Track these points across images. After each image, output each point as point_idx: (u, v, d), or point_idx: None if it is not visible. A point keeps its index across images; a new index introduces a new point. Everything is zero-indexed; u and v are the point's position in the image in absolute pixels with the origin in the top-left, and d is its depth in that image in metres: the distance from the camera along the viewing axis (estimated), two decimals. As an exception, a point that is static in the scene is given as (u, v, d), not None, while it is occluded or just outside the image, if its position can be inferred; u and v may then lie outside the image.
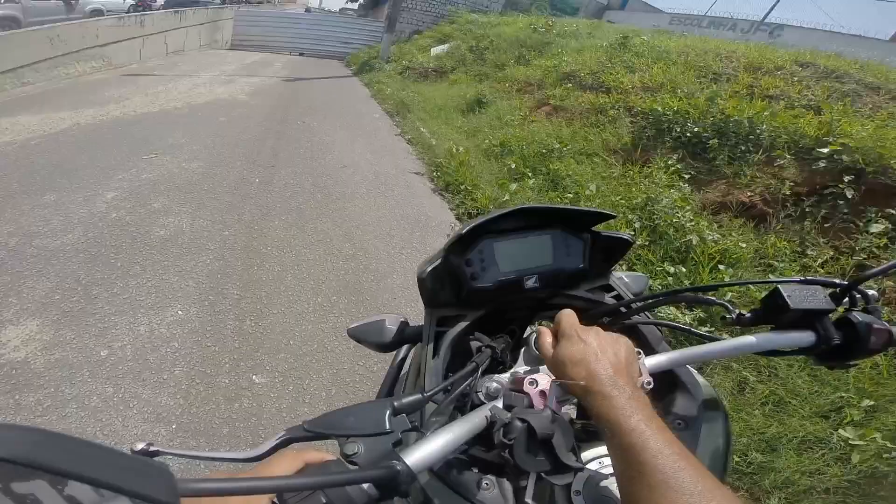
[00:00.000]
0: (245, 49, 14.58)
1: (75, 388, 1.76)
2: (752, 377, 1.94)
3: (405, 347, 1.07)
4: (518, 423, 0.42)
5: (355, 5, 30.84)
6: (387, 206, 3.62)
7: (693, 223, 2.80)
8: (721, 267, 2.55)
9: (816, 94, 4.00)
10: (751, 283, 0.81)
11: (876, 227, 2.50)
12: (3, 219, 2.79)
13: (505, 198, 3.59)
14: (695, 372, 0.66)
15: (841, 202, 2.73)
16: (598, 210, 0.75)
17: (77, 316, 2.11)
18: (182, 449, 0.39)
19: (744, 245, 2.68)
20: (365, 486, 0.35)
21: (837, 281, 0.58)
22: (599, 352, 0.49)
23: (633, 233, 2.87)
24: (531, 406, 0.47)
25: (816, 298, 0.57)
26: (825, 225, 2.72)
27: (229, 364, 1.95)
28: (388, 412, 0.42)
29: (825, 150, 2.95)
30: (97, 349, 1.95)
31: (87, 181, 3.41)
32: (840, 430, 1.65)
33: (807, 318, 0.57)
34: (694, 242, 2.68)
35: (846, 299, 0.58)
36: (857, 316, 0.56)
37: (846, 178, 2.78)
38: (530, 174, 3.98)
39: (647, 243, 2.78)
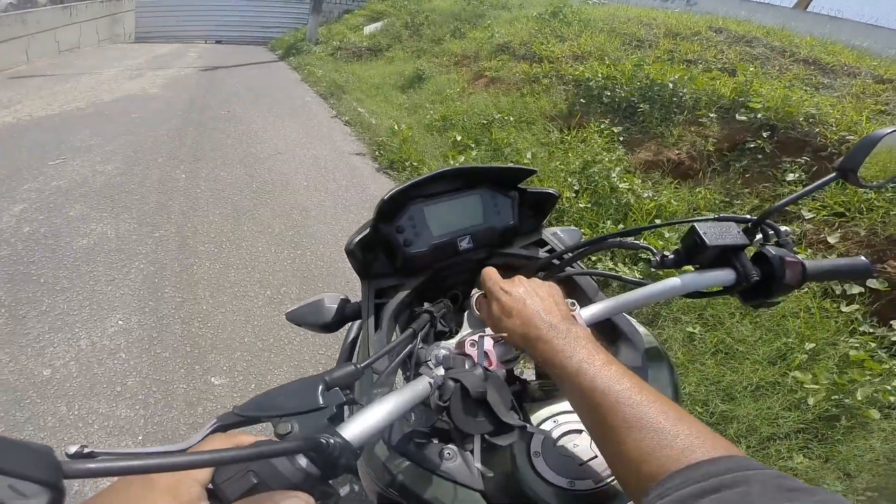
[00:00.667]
0: (152, 41, 13.27)
1: (26, 411, 1.64)
2: (698, 329, 2.05)
3: (356, 326, 1.05)
4: (451, 384, 0.42)
5: None
6: (329, 191, 3.49)
7: (628, 183, 2.93)
8: (657, 221, 2.68)
9: (730, 58, 4.27)
10: (668, 224, 0.84)
11: (791, 176, 2.74)
12: None
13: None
14: (634, 321, 0.67)
15: (759, 156, 2.96)
16: (520, 166, 0.76)
17: (8, 338, 1.94)
18: (117, 449, 0.37)
19: (675, 202, 2.84)
20: (303, 462, 0.33)
21: (748, 217, 0.60)
22: (527, 298, 0.49)
23: (573, 195, 2.97)
24: (474, 366, 0.46)
25: (731, 234, 0.59)
26: (746, 176, 2.93)
27: (184, 369, 1.86)
28: (320, 387, 0.39)
29: (745, 110, 3.18)
30: (38, 369, 1.82)
31: None
32: (794, 374, 1.73)
33: (725, 256, 0.59)
34: (631, 201, 2.81)
35: (760, 236, 0.61)
36: (771, 250, 0.58)
37: (763, 134, 3.02)
38: (473, 145, 3.99)
39: (588, 205, 2.88)
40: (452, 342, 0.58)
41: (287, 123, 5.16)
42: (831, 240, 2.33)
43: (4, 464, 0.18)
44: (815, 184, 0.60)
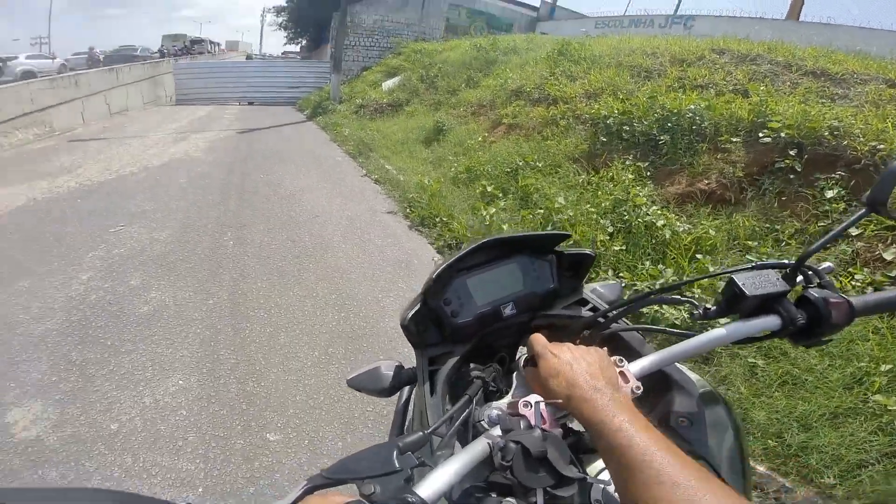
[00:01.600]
0: (191, 103, 14.44)
1: (94, 461, 1.77)
2: (760, 362, 1.98)
3: (407, 389, 1.10)
4: (512, 446, 0.46)
5: (297, 48, 31.15)
6: (366, 251, 3.64)
7: (663, 218, 2.93)
8: (699, 256, 2.65)
9: (739, 79, 4.31)
10: (707, 277, 0.84)
11: (830, 193, 2.68)
12: (-21, 311, 2.73)
13: (485, 222, 3.65)
14: (685, 369, 0.69)
15: (791, 176, 2.93)
16: (553, 232, 0.81)
17: (78, 394, 2.11)
18: None
19: (713, 232, 2.81)
20: None
21: (786, 262, 0.61)
22: (573, 362, 0.52)
23: (608, 237, 2.99)
24: (530, 427, 0.50)
25: (770, 282, 0.59)
26: (783, 198, 2.89)
27: (241, 426, 1.96)
28: (395, 452, 0.45)
29: (767, 131, 3.17)
30: (106, 423, 1.96)
31: (59, 263, 3.33)
32: (874, 398, 1.65)
33: (768, 303, 0.60)
34: (668, 237, 2.80)
35: (801, 277, 0.61)
36: (813, 293, 0.59)
37: (791, 153, 2.99)
38: (500, 195, 4.08)
39: (624, 246, 2.88)
40: (504, 402, 0.62)
41: (322, 185, 5.44)
42: (887, 256, 2.25)
43: None
44: (847, 222, 0.61)
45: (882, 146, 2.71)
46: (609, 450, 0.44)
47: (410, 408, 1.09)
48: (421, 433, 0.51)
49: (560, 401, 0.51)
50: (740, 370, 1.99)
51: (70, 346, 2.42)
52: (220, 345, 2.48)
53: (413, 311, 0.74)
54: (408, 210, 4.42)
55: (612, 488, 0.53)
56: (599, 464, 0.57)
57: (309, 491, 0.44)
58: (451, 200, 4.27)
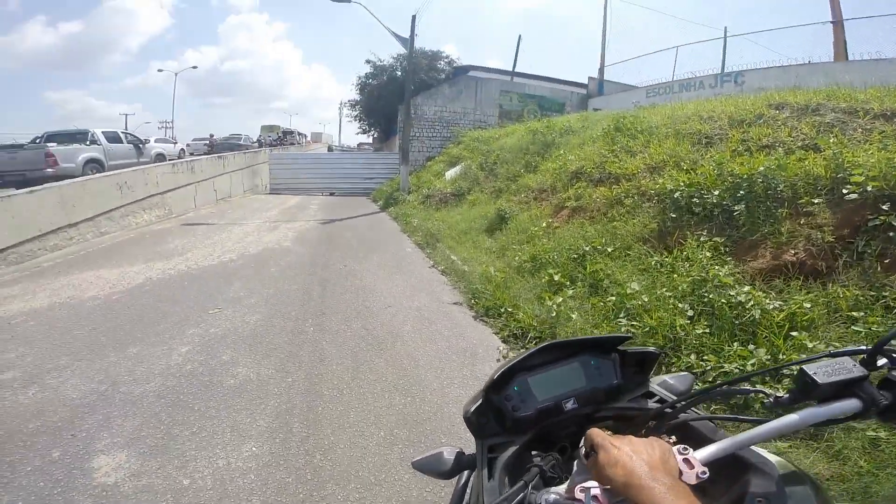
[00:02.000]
0: (282, 192, 16.51)
1: None
2: (883, 434, 1.79)
3: (466, 473, 1.13)
4: None
5: (369, 139, 34.53)
6: (433, 340, 3.77)
7: (750, 297, 2.73)
8: (794, 333, 2.43)
9: (806, 133, 4.12)
10: (774, 368, 0.83)
11: None
12: (95, 369, 3.19)
13: (552, 312, 3.62)
14: (764, 452, 0.67)
15: (891, 233, 2.67)
16: (615, 335, 0.86)
17: (160, 450, 2.32)
18: None
19: (808, 305, 2.59)
20: None
21: (863, 347, 0.60)
22: (633, 453, 0.54)
23: (688, 321, 2.84)
24: None
25: (846, 369, 0.58)
26: (885, 261, 2.62)
27: (303, 494, 2.05)
28: None
29: (851, 186, 2.96)
30: (179, 478, 2.12)
31: (164, 335, 3.81)
32: None
33: (846, 388, 0.58)
34: (756, 316, 2.60)
35: (884, 360, 0.60)
36: None
37: (883, 207, 2.76)
38: (568, 283, 4.04)
39: (707, 330, 2.72)
40: (562, 488, 0.64)
41: (393, 276, 5.79)
42: None
43: None
44: None
45: None
46: None
47: (468, 493, 1.11)
48: None
49: (610, 486, 0.53)
50: (857, 444, 1.81)
51: (161, 407, 2.72)
52: (294, 418, 2.65)
53: (476, 406, 0.81)
54: (472, 301, 4.53)
55: None
56: None
57: None
58: (515, 290, 4.31)
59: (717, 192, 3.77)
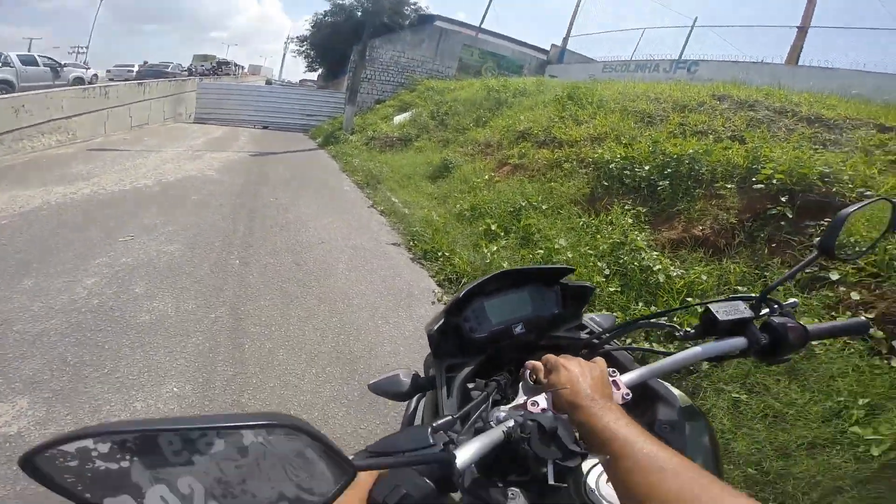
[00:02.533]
0: (209, 122, 14.94)
1: None
2: (744, 396, 2.07)
3: (415, 399, 1.19)
4: (529, 422, 0.55)
5: (314, 76, 32.22)
6: (368, 279, 3.73)
7: (658, 263, 3.02)
8: (689, 299, 2.75)
9: (737, 125, 4.46)
10: (688, 306, 1.00)
11: (818, 239, 2.77)
12: (-20, 304, 2.78)
13: (483, 259, 3.76)
14: (669, 386, 0.80)
15: (783, 223, 3.00)
16: (561, 266, 0.95)
17: (69, 395, 2.12)
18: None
19: (705, 277, 2.90)
20: (427, 481, 0.46)
21: (752, 295, 0.75)
22: (580, 375, 0.62)
23: (604, 279, 3.08)
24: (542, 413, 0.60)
25: (739, 310, 0.72)
26: (773, 245, 2.97)
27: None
28: (429, 431, 0.54)
29: (760, 177, 3.28)
30: (93, 424, 1.91)
31: (65, 266, 3.40)
32: (852, 429, 1.74)
33: (737, 327, 0.72)
34: (661, 280, 2.89)
35: (766, 309, 0.73)
36: (774, 320, 0.71)
37: (782, 199, 3.08)
38: (503, 234, 4.20)
39: (618, 289, 2.97)
40: (508, 406, 0.71)
41: (329, 212, 5.59)
42: (867, 300, 2.34)
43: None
44: (801, 264, 0.77)
45: (869, 192, 2.82)
46: (598, 445, 0.52)
47: (417, 417, 1.17)
48: (450, 416, 0.60)
49: (562, 392, 0.60)
50: (724, 404, 2.06)
51: (66, 347, 2.45)
52: (218, 356, 2.51)
53: (438, 325, 0.87)
54: (411, 243, 4.53)
55: (603, 480, 0.63)
56: (594, 459, 0.66)
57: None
58: (454, 236, 4.38)
59: (647, 168, 4.05)
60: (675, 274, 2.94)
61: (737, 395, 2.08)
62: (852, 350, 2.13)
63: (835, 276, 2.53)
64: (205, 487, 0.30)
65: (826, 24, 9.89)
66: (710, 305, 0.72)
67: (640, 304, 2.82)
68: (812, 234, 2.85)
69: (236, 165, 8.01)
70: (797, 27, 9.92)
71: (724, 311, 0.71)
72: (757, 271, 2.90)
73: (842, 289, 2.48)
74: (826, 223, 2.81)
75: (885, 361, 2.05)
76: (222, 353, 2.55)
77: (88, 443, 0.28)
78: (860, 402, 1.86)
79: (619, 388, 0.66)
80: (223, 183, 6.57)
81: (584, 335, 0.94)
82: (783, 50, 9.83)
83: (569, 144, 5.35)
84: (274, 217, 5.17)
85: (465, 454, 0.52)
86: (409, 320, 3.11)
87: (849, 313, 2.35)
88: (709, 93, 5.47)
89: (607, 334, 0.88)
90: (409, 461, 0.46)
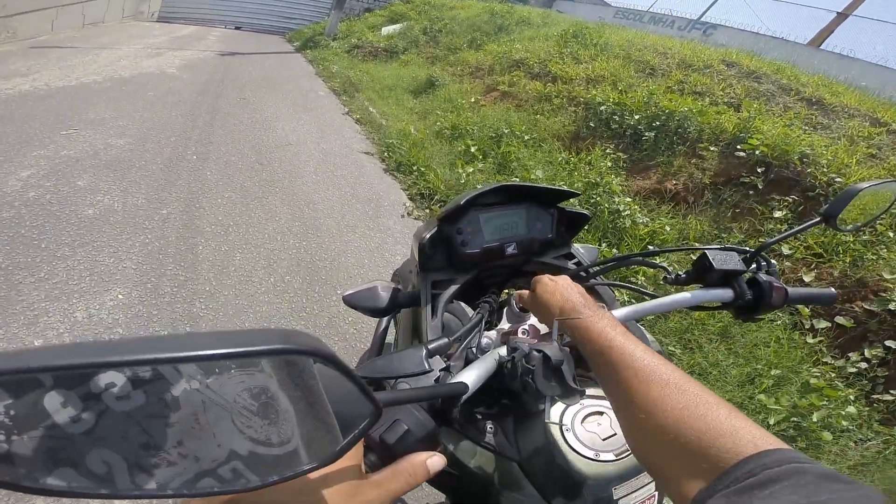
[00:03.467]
0: (174, 21, 13.33)
1: None
2: (678, 351, 2.18)
3: (386, 318, 1.15)
4: (536, 353, 0.50)
5: None
6: (336, 185, 3.57)
7: (628, 209, 3.04)
8: (650, 247, 2.82)
9: (737, 93, 4.40)
10: (684, 249, 0.97)
11: (778, 213, 2.87)
12: None
13: (459, 179, 3.66)
14: (645, 331, 0.79)
15: (751, 192, 3.08)
16: (563, 189, 0.88)
17: (0, 304, 1.90)
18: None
19: (668, 228, 2.96)
20: (427, 414, 0.41)
21: (748, 249, 0.73)
22: (569, 287, 0.61)
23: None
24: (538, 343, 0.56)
25: (733, 262, 0.71)
26: (736, 210, 3.06)
27: None
28: (423, 354, 0.48)
29: (745, 146, 3.29)
30: (29, 339, 1.77)
31: None
32: (759, 396, 1.89)
33: (726, 278, 0.71)
34: (627, 225, 2.93)
35: (755, 265, 0.73)
36: (762, 276, 0.71)
37: (758, 170, 3.13)
38: (481, 157, 4.08)
39: (587, 227, 3.00)
40: (493, 332, 0.69)
41: (299, 115, 5.23)
42: (807, 278, 2.47)
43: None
44: (802, 226, 0.74)
45: (840, 179, 2.88)
46: (594, 354, 0.49)
47: (391, 335, 1.14)
48: (445, 339, 0.55)
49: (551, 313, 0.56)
50: (667, 355, 2.15)
51: None
52: (168, 259, 2.34)
53: (430, 233, 0.79)
54: (385, 154, 4.34)
55: (582, 417, 0.61)
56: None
57: None
58: (430, 152, 4.21)
59: (637, 117, 3.98)
60: (640, 221, 2.98)
61: (672, 349, 2.18)
62: (779, 322, 2.27)
63: (787, 251, 2.63)
64: (125, 458, 0.21)
65: (869, 16, 9.31)
66: (707, 252, 0.70)
67: (605, 244, 2.86)
68: (774, 207, 2.92)
69: (201, 64, 7.20)
70: (837, 12, 9.44)
71: (720, 259, 0.70)
72: (716, 232, 2.98)
73: (788, 263, 2.59)
74: (791, 199, 2.90)
75: (803, 338, 2.21)
76: (172, 254, 2.38)
77: None
78: (773, 372, 2.00)
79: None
80: (184, 80, 5.93)
81: (571, 265, 0.90)
82: (810, 31, 9.37)
83: (563, 81, 5.16)
84: (238, 115, 4.78)
85: (469, 381, 0.47)
86: (376, 231, 3.01)
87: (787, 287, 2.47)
88: (719, 57, 5.29)
89: (597, 267, 0.83)
90: (427, 395, 0.41)
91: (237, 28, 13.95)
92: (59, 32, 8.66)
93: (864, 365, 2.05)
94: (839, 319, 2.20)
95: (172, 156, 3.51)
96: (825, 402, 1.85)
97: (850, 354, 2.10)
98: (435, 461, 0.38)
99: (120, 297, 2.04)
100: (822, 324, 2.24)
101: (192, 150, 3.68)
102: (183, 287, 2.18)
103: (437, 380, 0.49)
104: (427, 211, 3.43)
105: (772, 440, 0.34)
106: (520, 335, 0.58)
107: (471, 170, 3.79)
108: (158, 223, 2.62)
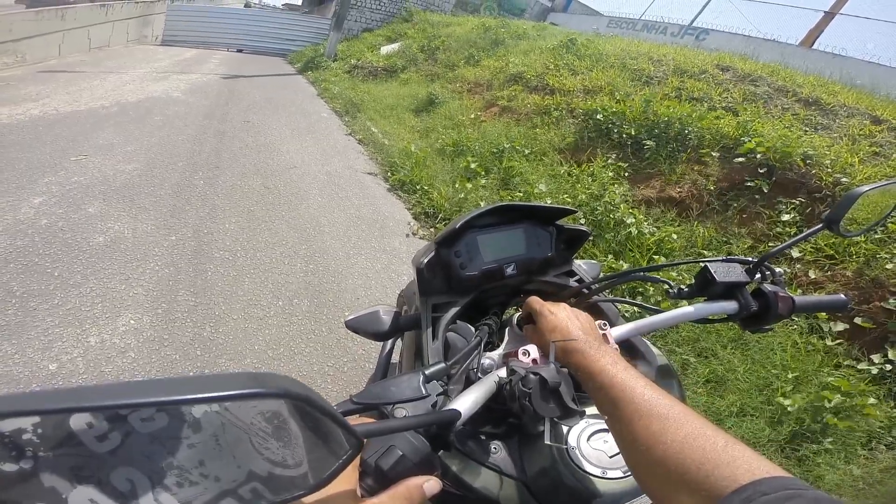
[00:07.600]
0: (178, 45, 13.65)
1: None
2: (693, 359, 2.15)
3: (391, 340, 1.15)
4: (532, 376, 0.50)
5: (300, 1, 29.47)
6: (341, 207, 3.59)
7: (632, 218, 3.03)
8: (656, 256, 2.81)
9: (734, 97, 4.41)
10: (685, 262, 0.98)
11: (787, 217, 2.83)
12: None
13: (462, 196, 3.67)
14: (649, 343, 0.78)
15: (757, 196, 3.05)
16: (562, 207, 0.88)
17: (15, 330, 1.94)
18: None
19: (675, 237, 2.94)
20: (422, 439, 0.41)
21: (750, 259, 0.72)
22: (569, 319, 0.59)
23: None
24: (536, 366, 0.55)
25: (735, 273, 0.70)
26: (743, 216, 3.03)
27: (193, 373, 1.89)
28: (420, 379, 0.49)
29: (742, 150, 3.30)
30: (44, 363, 1.81)
31: (8, 185, 3.08)
32: (777, 399, 1.88)
33: (730, 290, 0.70)
34: (633, 234, 2.91)
35: (759, 275, 0.72)
36: (767, 287, 0.70)
37: (761, 173, 3.11)
38: (483, 173, 4.10)
39: (591, 240, 2.98)
40: (495, 354, 0.68)
41: (303, 137, 5.30)
42: (820, 281, 2.44)
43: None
44: (805, 233, 0.74)
45: (845, 179, 2.86)
46: (596, 390, 0.49)
47: (395, 357, 1.13)
48: (442, 364, 0.54)
49: (558, 342, 0.56)
50: (675, 365, 2.13)
51: (11, 275, 2.21)
52: (179, 284, 2.38)
53: (428, 258, 0.79)
54: (388, 173, 4.37)
55: (588, 435, 0.60)
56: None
57: None
58: (433, 170, 4.24)
59: (636, 125, 3.99)
60: (646, 231, 2.96)
61: (686, 358, 2.15)
62: (795, 326, 2.24)
63: (796, 254, 2.60)
64: (149, 477, 0.22)
65: (856, 14, 9.41)
66: (708, 265, 0.70)
67: (610, 256, 2.83)
68: (781, 210, 2.89)
69: (206, 87, 7.34)
70: (825, 11, 9.52)
71: (722, 271, 0.69)
72: (724, 238, 2.95)
73: (798, 266, 2.56)
74: (799, 202, 2.88)
75: (822, 341, 2.18)
76: (183, 280, 2.41)
77: None
78: (789, 375, 1.98)
79: (608, 342, 0.62)
80: (190, 104, 6.03)
81: (573, 282, 0.89)
82: (800, 31, 9.45)
83: (561, 93, 5.20)
84: (243, 139, 4.85)
85: (463, 408, 0.47)
86: (381, 252, 3.02)
87: (800, 291, 2.44)
88: (713, 62, 5.33)
89: (598, 284, 0.82)
90: (416, 424, 0.41)
91: (239, 51, 14.22)
92: (66, 56, 8.89)
93: (888, 367, 1.99)
94: (858, 321, 2.17)
95: (180, 181, 3.56)
96: (839, 394, 1.84)
97: (872, 357, 2.06)
98: (431, 485, 0.39)
99: (132, 322, 2.08)
100: (839, 326, 2.21)
101: (199, 175, 3.72)
102: (193, 312, 2.21)
103: (434, 404, 0.49)
104: (432, 230, 3.44)
105: (769, 467, 0.35)
106: (520, 356, 0.57)
107: (473, 186, 3.81)
108: (168, 249, 2.65)
